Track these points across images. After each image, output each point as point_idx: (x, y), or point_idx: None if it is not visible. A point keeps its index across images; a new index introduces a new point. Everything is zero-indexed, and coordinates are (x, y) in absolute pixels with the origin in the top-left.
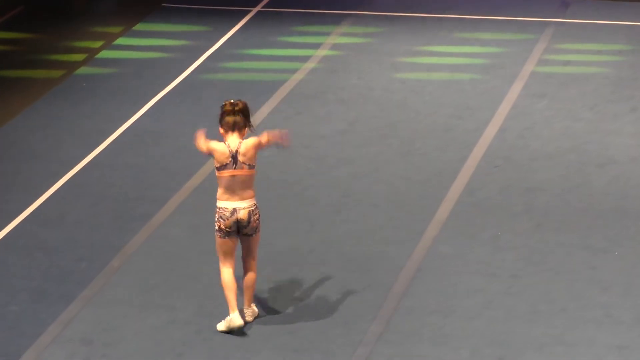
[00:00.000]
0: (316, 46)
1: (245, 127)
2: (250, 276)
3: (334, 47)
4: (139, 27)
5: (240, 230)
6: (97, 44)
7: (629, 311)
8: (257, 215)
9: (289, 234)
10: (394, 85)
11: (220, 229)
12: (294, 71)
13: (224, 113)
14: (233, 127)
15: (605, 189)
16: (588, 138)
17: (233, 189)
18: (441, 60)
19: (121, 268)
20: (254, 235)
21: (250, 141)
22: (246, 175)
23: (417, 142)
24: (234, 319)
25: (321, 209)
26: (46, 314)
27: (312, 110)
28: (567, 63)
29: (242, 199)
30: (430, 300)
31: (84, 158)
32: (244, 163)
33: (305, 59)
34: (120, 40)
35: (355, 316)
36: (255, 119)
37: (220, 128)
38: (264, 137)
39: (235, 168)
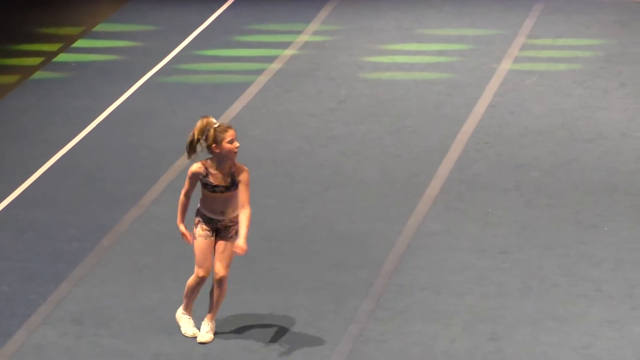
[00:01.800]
0: (306, 23)
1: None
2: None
3: (324, 23)
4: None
5: None
6: (81, 30)
7: (620, 286)
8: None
9: (280, 212)
10: (383, 63)
11: None
12: (283, 48)
13: None
14: None
15: (595, 164)
16: (578, 114)
17: None
18: (430, 37)
19: (112, 248)
20: None
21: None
22: None
23: (407, 120)
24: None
25: (311, 187)
26: (37, 294)
27: (301, 88)
28: (556, 39)
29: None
30: (421, 277)
31: (74, 138)
32: None
33: (294, 37)
34: (114, 18)
35: (346, 294)
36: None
37: None
38: (186, 186)
39: None
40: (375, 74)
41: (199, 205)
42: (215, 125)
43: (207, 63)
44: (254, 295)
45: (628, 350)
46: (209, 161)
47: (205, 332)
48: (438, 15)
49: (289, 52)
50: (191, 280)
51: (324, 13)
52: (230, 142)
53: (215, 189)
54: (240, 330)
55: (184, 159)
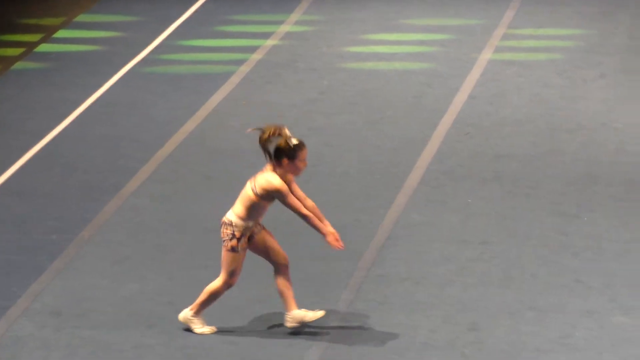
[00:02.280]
0: (287, 13)
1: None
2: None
3: (305, 14)
4: None
5: None
6: (61, 20)
7: (599, 277)
8: (227, 232)
9: None
10: (364, 53)
11: None
12: (265, 39)
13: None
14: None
15: (575, 154)
16: (558, 104)
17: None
18: (412, 27)
19: (92, 239)
20: (223, 245)
21: (269, 178)
22: (246, 190)
23: (388, 110)
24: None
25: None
26: (17, 286)
27: (282, 79)
28: (537, 29)
29: (232, 209)
30: (401, 268)
31: (54, 129)
32: (254, 180)
33: (276, 27)
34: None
35: (327, 285)
36: (222, 91)
37: None
38: (289, 198)
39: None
40: (356, 64)
41: (236, 218)
42: (294, 143)
43: (189, 53)
44: (233, 287)
45: (606, 341)
46: (277, 171)
47: (308, 314)
48: (420, 5)
49: (270, 42)
50: (219, 287)
51: (305, 3)
52: (303, 160)
53: (273, 201)
54: (219, 322)
55: (164, 149)
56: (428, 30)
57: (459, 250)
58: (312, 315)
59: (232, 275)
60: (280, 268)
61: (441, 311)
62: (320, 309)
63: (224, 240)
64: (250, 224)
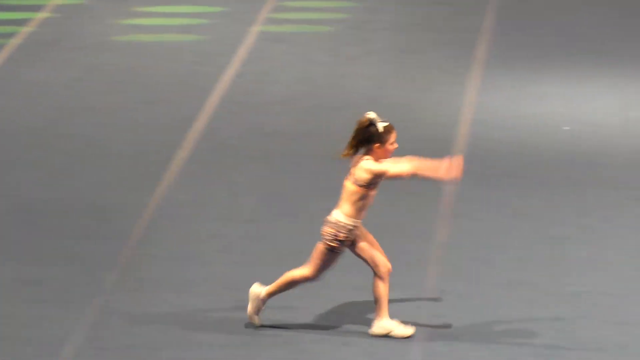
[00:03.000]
0: None
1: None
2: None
3: None
4: None
5: None
6: None
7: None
8: (330, 231)
9: (34, 184)
10: (133, 31)
11: None
12: (34, 12)
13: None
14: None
15: (343, 133)
16: (325, 81)
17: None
18: (180, 6)
19: None
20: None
21: (367, 164)
22: (347, 187)
23: (157, 88)
24: None
25: (65, 159)
26: None
27: (50, 57)
28: (303, 7)
29: (338, 209)
30: (168, 246)
31: None
32: (352, 176)
33: (38, 7)
34: None
35: (94, 265)
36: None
37: None
38: (391, 168)
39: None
40: (126, 43)
41: (343, 217)
42: (385, 124)
43: None
44: (2, 268)
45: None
46: (370, 157)
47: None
48: None
49: (33, 23)
50: (301, 277)
51: None
52: (392, 144)
53: (377, 186)
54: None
55: None
56: (197, 2)
57: (225, 228)
58: (402, 331)
59: (319, 272)
60: (381, 273)
61: (210, 289)
62: (87, 291)
63: (324, 238)
64: (357, 223)
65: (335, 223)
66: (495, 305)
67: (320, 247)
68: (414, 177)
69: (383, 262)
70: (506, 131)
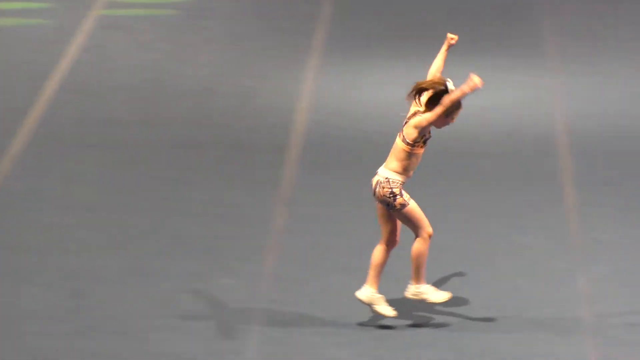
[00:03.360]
0: None
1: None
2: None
3: None
4: None
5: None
6: None
7: (204, 241)
8: (386, 190)
9: None
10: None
11: None
12: None
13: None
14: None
15: (181, 120)
16: (164, 69)
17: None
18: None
19: None
20: (391, 211)
21: (416, 120)
22: (396, 144)
23: None
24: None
25: None
26: None
27: None
28: None
29: (384, 166)
30: (4, 238)
31: None
32: (401, 133)
33: None
34: None
35: None
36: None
37: None
38: (432, 114)
39: (398, 134)
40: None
41: (392, 173)
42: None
43: None
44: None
45: (214, 303)
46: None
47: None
48: None
49: None
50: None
51: None
52: (453, 119)
53: (427, 141)
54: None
55: None
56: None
57: (62, 218)
58: (438, 296)
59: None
60: (423, 235)
61: (45, 279)
62: None
63: (388, 205)
64: (405, 179)
65: (385, 181)
66: (331, 291)
67: (397, 216)
68: (455, 105)
69: (427, 223)
70: (343, 117)
